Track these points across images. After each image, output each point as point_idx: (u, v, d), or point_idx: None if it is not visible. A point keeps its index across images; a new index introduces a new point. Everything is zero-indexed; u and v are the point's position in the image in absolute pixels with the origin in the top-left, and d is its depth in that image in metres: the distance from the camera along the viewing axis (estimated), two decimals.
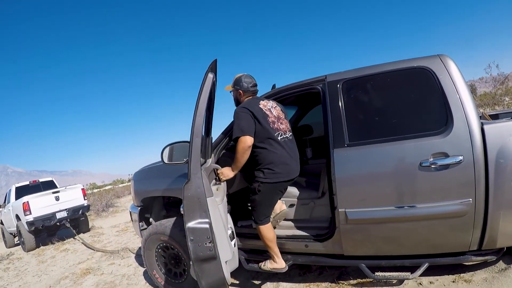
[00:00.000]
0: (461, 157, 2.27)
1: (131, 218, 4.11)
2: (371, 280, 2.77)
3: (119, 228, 8.76)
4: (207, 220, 2.26)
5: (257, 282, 3.31)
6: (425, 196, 2.37)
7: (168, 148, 2.96)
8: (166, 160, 2.94)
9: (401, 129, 2.47)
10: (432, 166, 2.31)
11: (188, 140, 2.50)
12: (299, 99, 3.29)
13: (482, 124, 2.34)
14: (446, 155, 2.30)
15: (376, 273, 2.60)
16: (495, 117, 4.09)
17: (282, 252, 2.87)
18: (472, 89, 14.63)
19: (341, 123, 2.60)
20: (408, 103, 2.56)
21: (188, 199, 2.21)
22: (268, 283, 3.21)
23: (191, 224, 2.19)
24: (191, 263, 2.22)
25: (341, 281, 2.90)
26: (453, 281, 2.62)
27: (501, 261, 2.69)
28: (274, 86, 3.28)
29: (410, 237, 2.50)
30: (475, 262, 2.64)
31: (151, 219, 3.93)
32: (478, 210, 2.31)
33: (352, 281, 2.87)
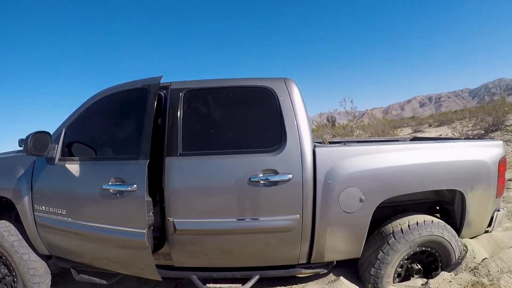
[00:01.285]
0: (290, 175, 2.39)
1: None
2: None
3: None
4: None
5: None
6: (253, 210, 2.46)
7: (33, 137, 2.58)
8: (33, 151, 2.58)
9: (236, 143, 2.56)
10: (261, 181, 2.40)
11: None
12: None
13: (315, 146, 2.50)
14: (275, 172, 2.40)
15: (208, 285, 2.63)
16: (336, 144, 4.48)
17: None
18: (332, 120, 16.67)
19: (177, 131, 2.57)
20: (246, 119, 2.67)
21: None
22: None
23: None
24: None
25: None
26: None
27: (331, 273, 2.94)
28: None
29: (239, 249, 2.58)
30: (307, 275, 2.83)
31: None
32: (305, 226, 2.46)
33: None
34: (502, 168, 2.93)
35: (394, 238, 2.65)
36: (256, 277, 2.60)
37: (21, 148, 2.91)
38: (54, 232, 2.82)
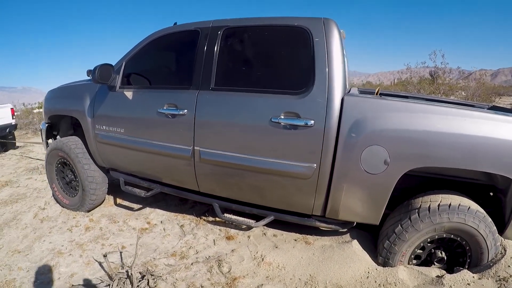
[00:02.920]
0: (312, 122, 2.38)
1: (41, 135, 4.40)
2: (225, 221, 3.07)
3: None
4: None
5: (137, 206, 3.61)
6: (271, 151, 2.56)
7: (99, 68, 3.15)
8: (99, 80, 3.17)
9: (264, 83, 2.68)
10: (282, 123, 2.46)
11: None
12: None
13: (346, 94, 2.44)
14: (298, 116, 2.43)
15: (226, 214, 2.91)
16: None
17: (151, 181, 3.27)
18: (437, 76, 14.21)
19: (211, 67, 2.81)
20: (278, 59, 2.75)
21: None
22: (147, 208, 3.49)
23: None
24: None
25: (203, 217, 3.25)
26: (295, 240, 2.92)
27: (349, 234, 2.94)
28: (175, 24, 3.38)
29: (255, 187, 2.76)
30: (322, 228, 2.87)
31: (58, 137, 4.30)
32: (322, 177, 2.47)
33: (210, 219, 3.24)
34: None
35: (418, 215, 2.42)
36: (271, 217, 2.77)
37: (89, 78, 3.52)
38: (110, 148, 3.41)
